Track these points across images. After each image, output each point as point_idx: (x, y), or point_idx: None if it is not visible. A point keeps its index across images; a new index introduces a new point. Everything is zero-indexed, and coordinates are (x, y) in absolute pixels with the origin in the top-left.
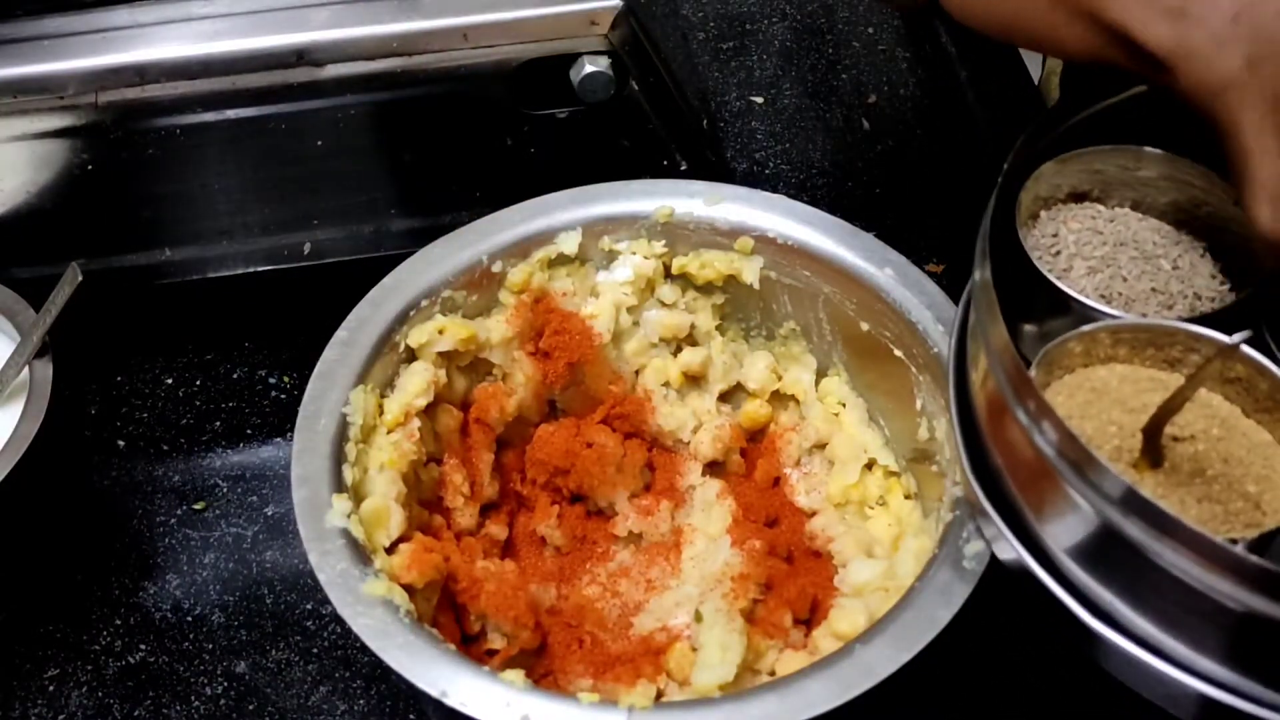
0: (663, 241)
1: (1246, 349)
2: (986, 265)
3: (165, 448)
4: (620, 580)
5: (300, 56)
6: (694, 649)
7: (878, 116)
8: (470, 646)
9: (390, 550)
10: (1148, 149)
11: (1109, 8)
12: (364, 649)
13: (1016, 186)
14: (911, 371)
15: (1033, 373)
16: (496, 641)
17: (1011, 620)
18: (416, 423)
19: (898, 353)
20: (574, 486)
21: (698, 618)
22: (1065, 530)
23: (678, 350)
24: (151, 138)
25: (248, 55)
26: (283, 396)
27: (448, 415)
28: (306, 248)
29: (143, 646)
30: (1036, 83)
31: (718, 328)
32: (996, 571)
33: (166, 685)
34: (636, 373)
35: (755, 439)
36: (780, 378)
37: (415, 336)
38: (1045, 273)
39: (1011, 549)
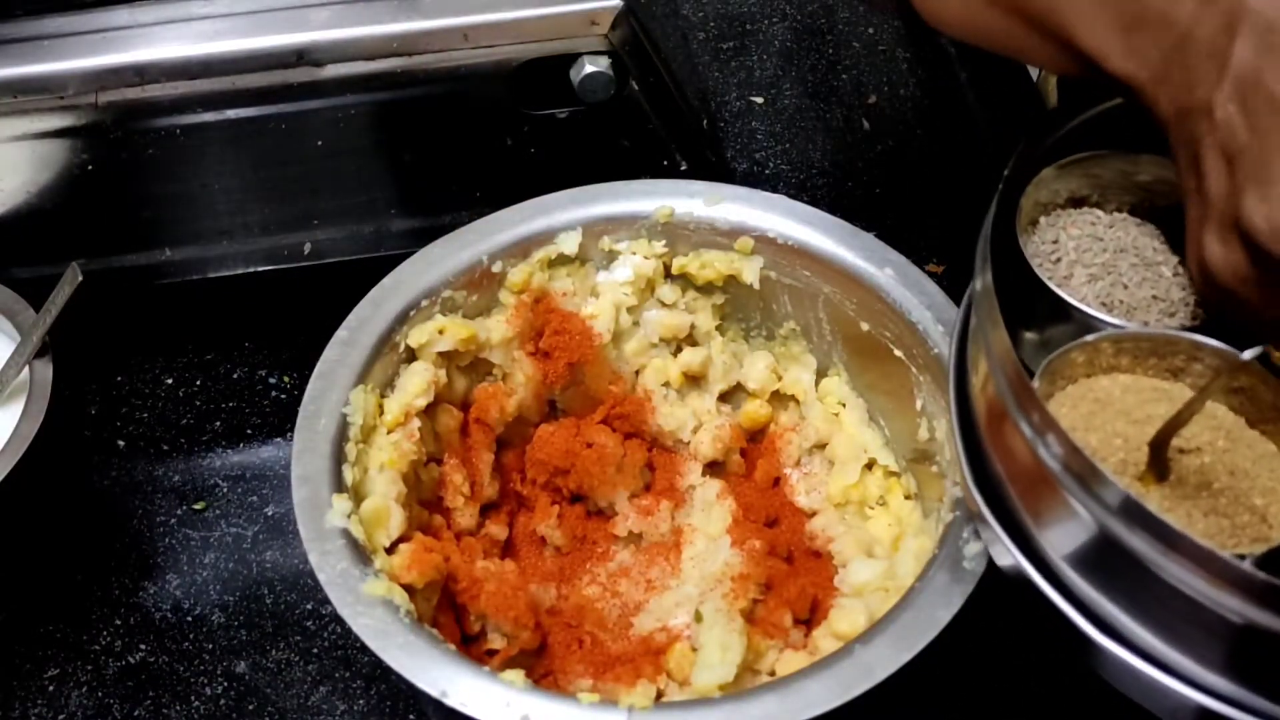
0: (663, 241)
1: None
2: (988, 272)
3: (165, 448)
4: (620, 580)
5: (300, 56)
6: (694, 649)
7: (878, 116)
8: (470, 646)
9: (390, 550)
10: (1146, 154)
11: (1077, 35)
12: (364, 649)
13: (1017, 192)
14: (912, 372)
15: (1036, 383)
16: (496, 641)
17: (1011, 621)
18: (416, 423)
19: (898, 353)
20: (574, 486)
21: (698, 618)
22: (1066, 539)
23: (678, 350)
24: (151, 138)
25: (248, 55)
26: (283, 396)
27: (448, 415)
28: (306, 248)
29: (143, 646)
30: (1035, 82)
31: (718, 328)
32: (996, 572)
33: (166, 685)
34: (636, 373)
35: (755, 439)
36: (780, 378)
37: (415, 336)
38: (1046, 280)
39: (1011, 556)
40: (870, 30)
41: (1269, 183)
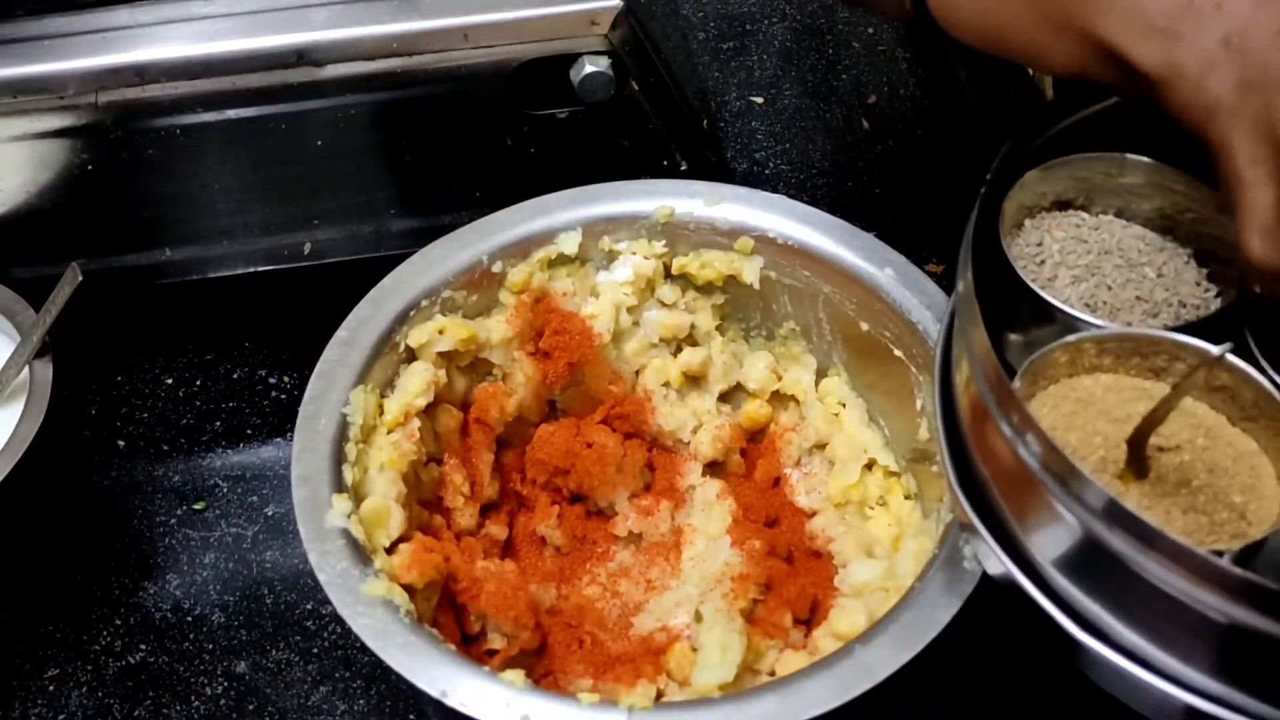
0: (663, 241)
1: (1230, 357)
2: (969, 274)
3: (165, 448)
4: (620, 580)
5: (300, 56)
6: (694, 649)
7: (878, 116)
8: (470, 647)
9: (390, 550)
10: (1131, 156)
11: (1099, 26)
12: (364, 649)
13: (1000, 195)
14: (911, 371)
15: (1017, 383)
16: (496, 641)
17: (1010, 621)
18: (416, 423)
19: (898, 353)
20: (574, 486)
21: (698, 618)
22: (1051, 541)
23: (678, 350)
24: (151, 138)
25: (248, 55)
26: (283, 396)
27: (448, 415)
28: (306, 248)
29: (143, 646)
30: (1034, 82)
31: (718, 328)
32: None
33: (166, 685)
34: (636, 373)
35: (755, 439)
36: (780, 378)
37: (415, 336)
38: (1029, 282)
39: (996, 559)
40: (870, 30)
41: None
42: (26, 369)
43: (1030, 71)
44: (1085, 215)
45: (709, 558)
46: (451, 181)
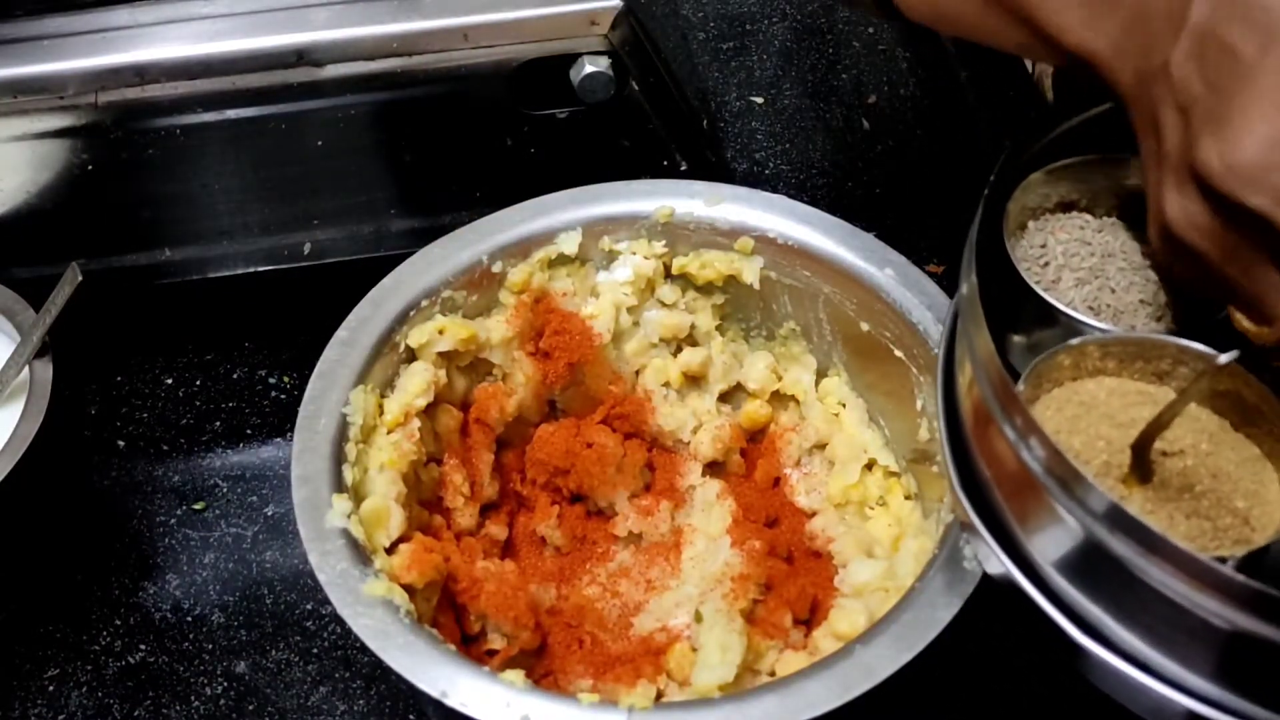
0: (663, 242)
1: (1235, 363)
2: (973, 275)
3: (165, 448)
4: (620, 580)
5: (300, 56)
6: (694, 649)
7: (878, 116)
8: (470, 647)
9: (390, 550)
10: (1135, 158)
11: (1038, 11)
12: (364, 649)
13: (1004, 197)
14: (912, 372)
15: (1021, 386)
16: (496, 642)
17: (1011, 622)
18: (416, 423)
19: (898, 353)
20: (574, 486)
21: (698, 618)
22: (1052, 544)
23: (678, 350)
24: (151, 138)
25: (248, 55)
26: (283, 396)
27: (448, 415)
28: (306, 248)
29: (143, 646)
30: (1034, 81)
31: (718, 328)
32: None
33: (166, 685)
34: (636, 373)
35: (755, 439)
36: (780, 378)
37: (415, 336)
38: (1033, 284)
39: (998, 562)
40: (870, 30)
41: (1221, 123)
42: (26, 369)
43: (1031, 72)
44: (1089, 217)
45: (709, 558)
46: (451, 181)
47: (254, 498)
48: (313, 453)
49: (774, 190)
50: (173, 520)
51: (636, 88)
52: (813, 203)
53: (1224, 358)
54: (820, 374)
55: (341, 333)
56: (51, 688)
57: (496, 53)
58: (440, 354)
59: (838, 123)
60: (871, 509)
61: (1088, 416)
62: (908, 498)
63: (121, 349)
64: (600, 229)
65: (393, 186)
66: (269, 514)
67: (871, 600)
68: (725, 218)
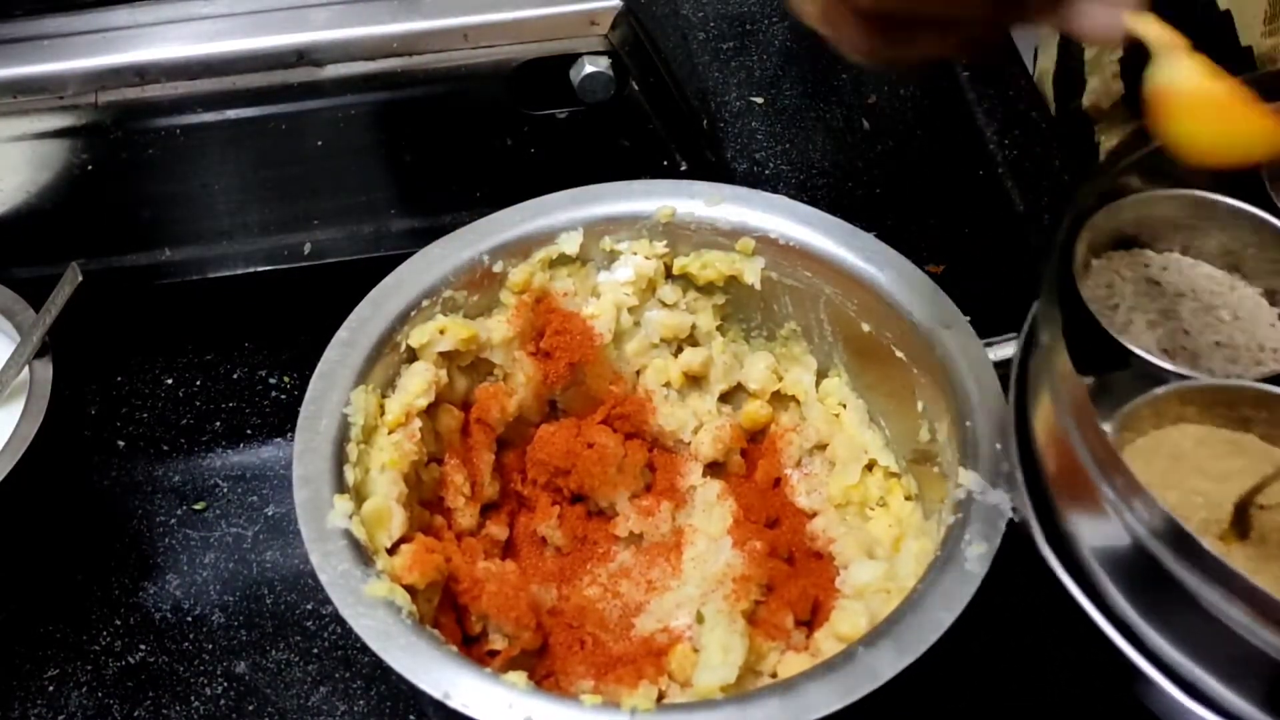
0: (664, 242)
1: None
2: (1058, 333)
3: (165, 448)
4: (621, 581)
5: (300, 56)
6: (695, 650)
7: (878, 116)
8: (471, 647)
9: (392, 551)
10: (1195, 192)
11: None
12: (364, 649)
13: (1074, 237)
14: (913, 373)
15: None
16: (498, 642)
17: (1011, 622)
18: (417, 423)
19: (899, 354)
20: (574, 487)
21: (699, 619)
22: (1152, 608)
23: (678, 350)
24: (151, 138)
25: (248, 55)
26: (283, 396)
27: (449, 415)
28: (306, 248)
29: (143, 646)
30: (1035, 82)
31: (718, 328)
32: (997, 575)
33: (166, 685)
34: (637, 373)
35: (756, 439)
36: (781, 378)
37: (416, 336)
38: (1109, 329)
39: (1095, 623)
40: None
41: None
42: (26, 369)
43: (1031, 72)
44: (1150, 253)
45: (710, 558)
46: (451, 181)
47: (254, 498)
48: (314, 453)
49: (774, 190)
50: (173, 520)
51: (636, 88)
52: (813, 203)
53: None
54: (821, 374)
55: (342, 333)
56: (51, 688)
57: (496, 53)
58: (441, 354)
59: (838, 123)
60: (872, 510)
61: (1178, 469)
62: (908, 498)
63: (121, 349)
64: (601, 229)
65: (393, 186)
66: (269, 514)
67: (873, 601)
68: (726, 218)
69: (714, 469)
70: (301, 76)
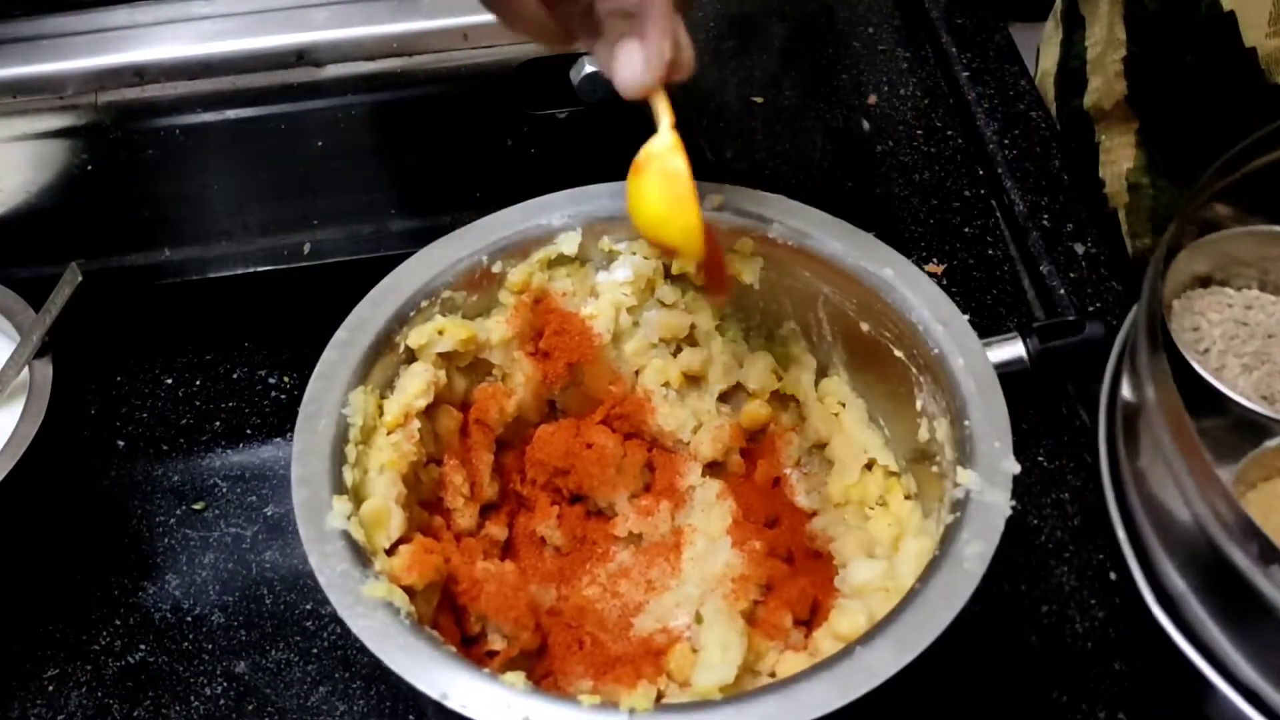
0: None
1: None
2: (1172, 389)
3: (165, 448)
4: (620, 581)
5: (300, 56)
6: (694, 650)
7: (878, 116)
8: (470, 648)
9: (390, 551)
10: (1275, 227)
11: None
12: (363, 649)
13: (1161, 277)
14: (912, 372)
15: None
16: (497, 643)
17: (1011, 621)
18: (416, 424)
19: (898, 353)
20: (574, 487)
21: (698, 619)
22: (1260, 656)
23: (677, 350)
24: (151, 138)
25: (248, 55)
26: (283, 396)
27: (447, 416)
28: (306, 248)
29: (143, 646)
30: (1035, 82)
31: (717, 328)
32: (996, 574)
33: (166, 685)
34: (636, 373)
35: (755, 439)
36: (780, 378)
37: (415, 337)
38: (1204, 374)
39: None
40: (870, 30)
41: None
42: (26, 369)
43: (1032, 73)
44: (1230, 291)
45: (709, 558)
46: (451, 181)
47: (254, 498)
48: (313, 454)
49: (774, 190)
50: (173, 520)
51: None
52: (813, 203)
53: None
54: (820, 374)
55: (341, 333)
56: (51, 688)
57: (496, 53)
58: (440, 354)
59: (838, 123)
60: (871, 509)
61: None
62: (908, 498)
63: (121, 349)
64: (600, 229)
65: (393, 186)
66: (269, 514)
67: (872, 600)
68: (725, 218)
69: (713, 469)
70: (301, 76)
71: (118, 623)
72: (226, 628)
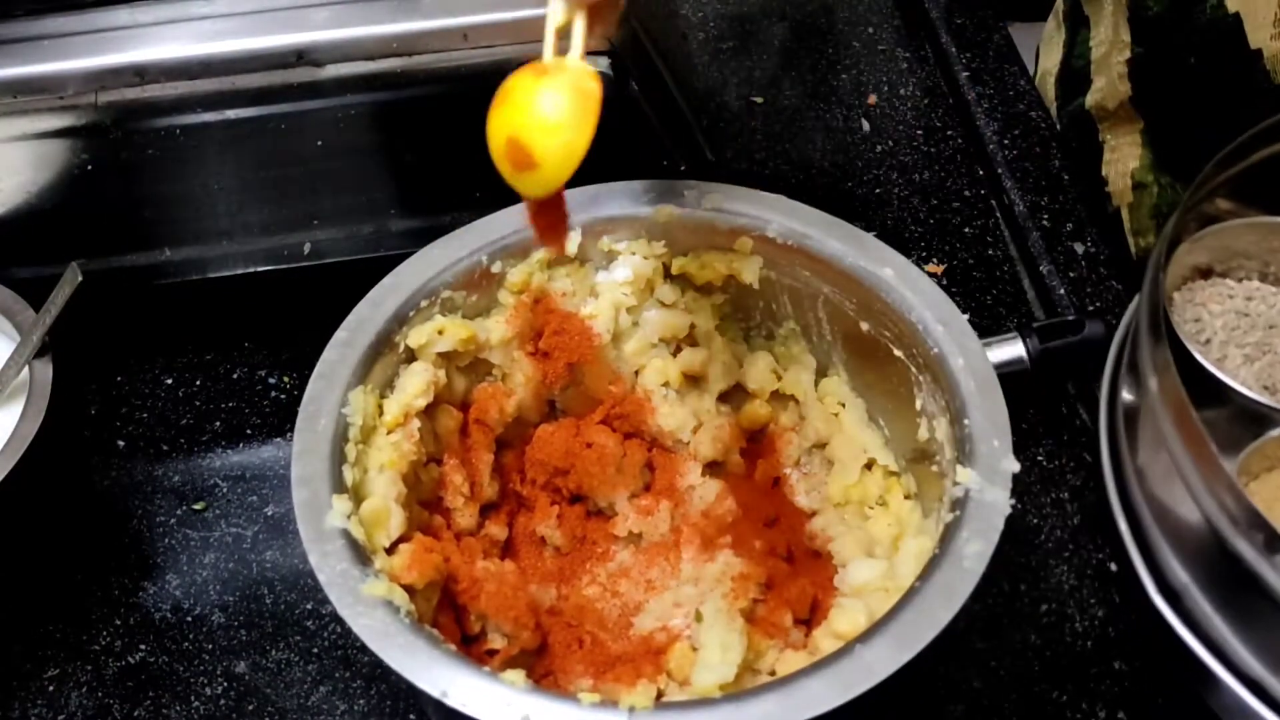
0: (662, 242)
1: None
2: (1175, 380)
3: (165, 448)
4: (620, 580)
5: (300, 56)
6: (694, 649)
7: (878, 116)
8: (470, 647)
9: (390, 551)
10: (1276, 219)
11: None
12: (363, 649)
13: (1162, 269)
14: (911, 371)
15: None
16: (496, 642)
17: (1010, 620)
18: (416, 423)
19: (898, 353)
20: (574, 487)
21: (698, 618)
22: (1263, 645)
23: (677, 350)
24: (151, 138)
25: (248, 55)
26: (282, 396)
27: (447, 416)
28: (306, 248)
29: (143, 646)
30: (1035, 82)
31: (717, 328)
32: (995, 573)
33: (166, 685)
34: (636, 373)
35: (755, 439)
36: (780, 378)
37: (415, 337)
38: (1206, 365)
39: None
40: (870, 30)
41: None
42: (26, 369)
43: (1032, 73)
44: (1230, 282)
45: (709, 557)
46: (451, 181)
47: (254, 498)
48: (312, 453)
49: (774, 190)
50: (173, 520)
51: (636, 88)
52: (813, 203)
53: None
54: (820, 374)
55: (341, 333)
56: (51, 688)
57: (496, 53)
58: (440, 354)
59: (838, 123)
60: (871, 509)
61: None
62: (907, 497)
63: (121, 349)
64: (600, 229)
65: (393, 186)
66: (269, 514)
67: (872, 600)
68: (725, 218)
69: (713, 469)
70: (301, 76)
71: (118, 623)
72: (227, 627)
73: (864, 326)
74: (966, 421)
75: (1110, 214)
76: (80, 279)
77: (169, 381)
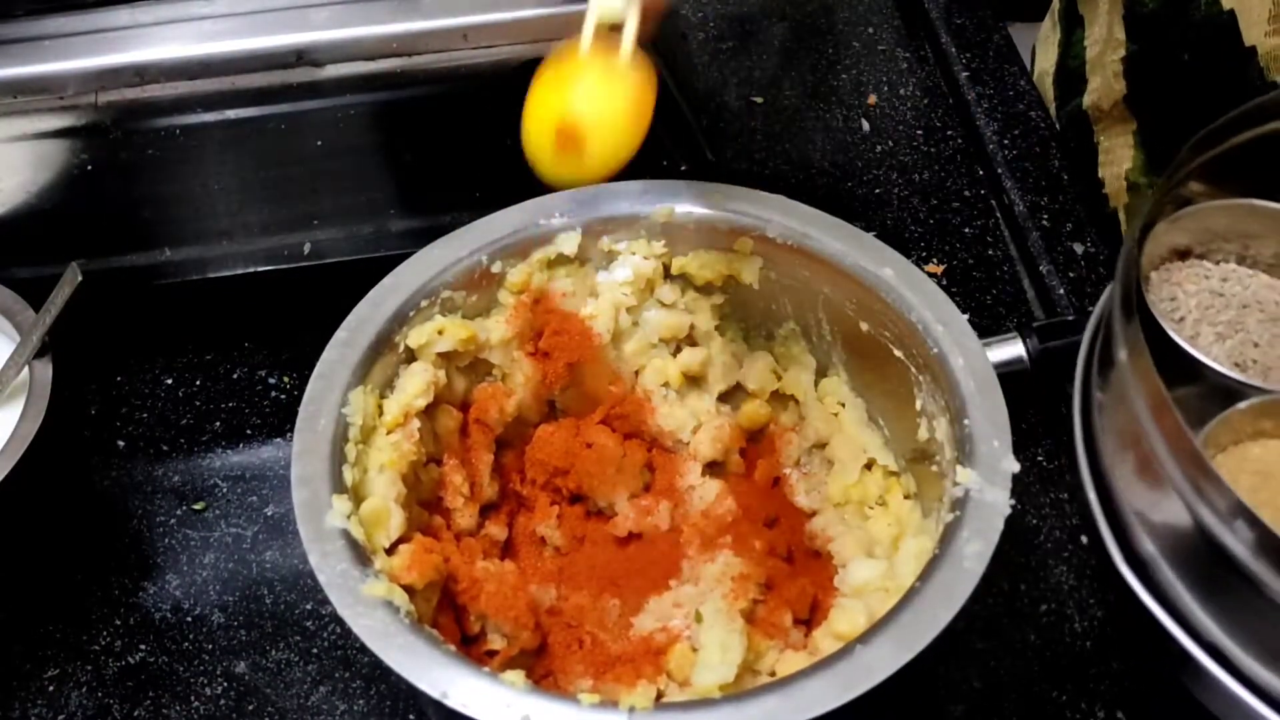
0: (662, 242)
1: None
2: (1144, 352)
3: (165, 448)
4: (620, 580)
5: (300, 56)
6: (694, 649)
7: (878, 116)
8: (470, 647)
9: (390, 551)
10: (1257, 202)
11: None
12: (363, 649)
13: (1139, 250)
14: (911, 372)
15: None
16: (496, 642)
17: (1010, 620)
18: (416, 423)
19: (897, 353)
20: (574, 487)
21: (698, 618)
22: (1239, 626)
23: (677, 350)
24: (151, 138)
25: (248, 55)
26: (282, 396)
27: (447, 416)
28: (306, 248)
29: (143, 646)
30: (1035, 82)
31: (717, 328)
32: (995, 572)
33: (166, 685)
34: (636, 373)
35: (755, 439)
36: (780, 378)
37: (415, 337)
38: (1179, 341)
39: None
40: (870, 30)
41: None
42: (26, 369)
43: (1031, 72)
44: (1208, 265)
45: (709, 558)
46: (451, 181)
47: (254, 498)
48: (312, 453)
49: (774, 190)
50: (173, 520)
51: None
52: (813, 203)
53: None
54: (820, 374)
55: (341, 333)
56: (51, 688)
57: (496, 53)
58: (440, 354)
59: (837, 123)
60: (871, 509)
61: (1267, 486)
62: (907, 497)
63: (121, 349)
64: (600, 229)
65: (393, 186)
66: (269, 514)
67: (871, 600)
68: (725, 218)
69: (713, 469)
70: (301, 76)
71: (118, 623)
72: (226, 627)
73: (864, 327)
74: (966, 421)
75: (1109, 214)
76: (80, 279)
77: (169, 381)
